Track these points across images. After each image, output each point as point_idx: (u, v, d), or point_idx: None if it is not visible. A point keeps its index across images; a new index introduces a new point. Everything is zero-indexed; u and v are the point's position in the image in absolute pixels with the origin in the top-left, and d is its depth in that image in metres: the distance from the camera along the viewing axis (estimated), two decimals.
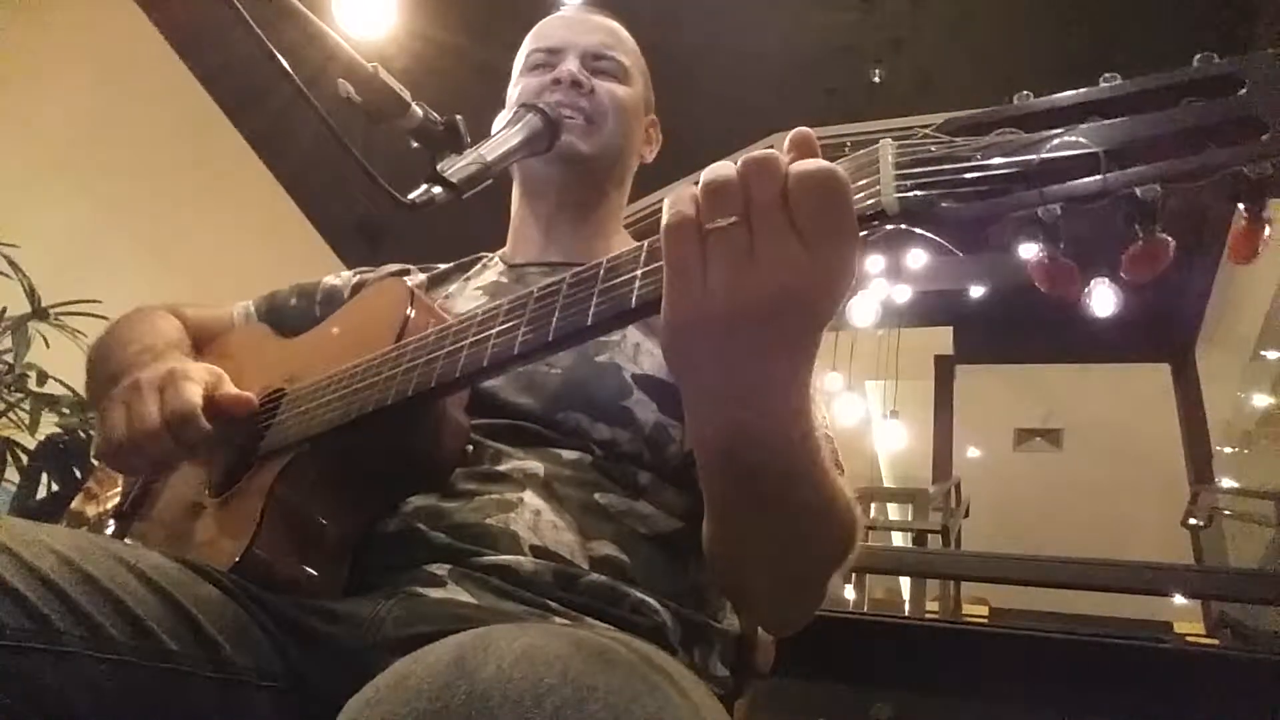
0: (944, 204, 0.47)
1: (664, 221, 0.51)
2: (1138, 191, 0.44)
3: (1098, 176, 0.44)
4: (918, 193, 0.47)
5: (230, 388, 0.81)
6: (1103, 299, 5.46)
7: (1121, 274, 0.47)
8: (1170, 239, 0.45)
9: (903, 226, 0.48)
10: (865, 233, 0.49)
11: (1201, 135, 0.43)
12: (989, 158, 0.46)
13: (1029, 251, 0.48)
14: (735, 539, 0.66)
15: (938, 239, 0.48)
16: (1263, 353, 6.26)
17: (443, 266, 1.07)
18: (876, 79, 4.89)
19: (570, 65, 1.00)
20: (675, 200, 0.51)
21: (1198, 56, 0.46)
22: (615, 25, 1.09)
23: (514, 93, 1.04)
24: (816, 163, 0.48)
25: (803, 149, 0.50)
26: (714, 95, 4.77)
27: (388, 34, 3.70)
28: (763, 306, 0.49)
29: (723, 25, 4.75)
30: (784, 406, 0.53)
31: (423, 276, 1.05)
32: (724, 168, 0.50)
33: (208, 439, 0.76)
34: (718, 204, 0.49)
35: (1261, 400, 6.65)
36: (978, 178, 0.46)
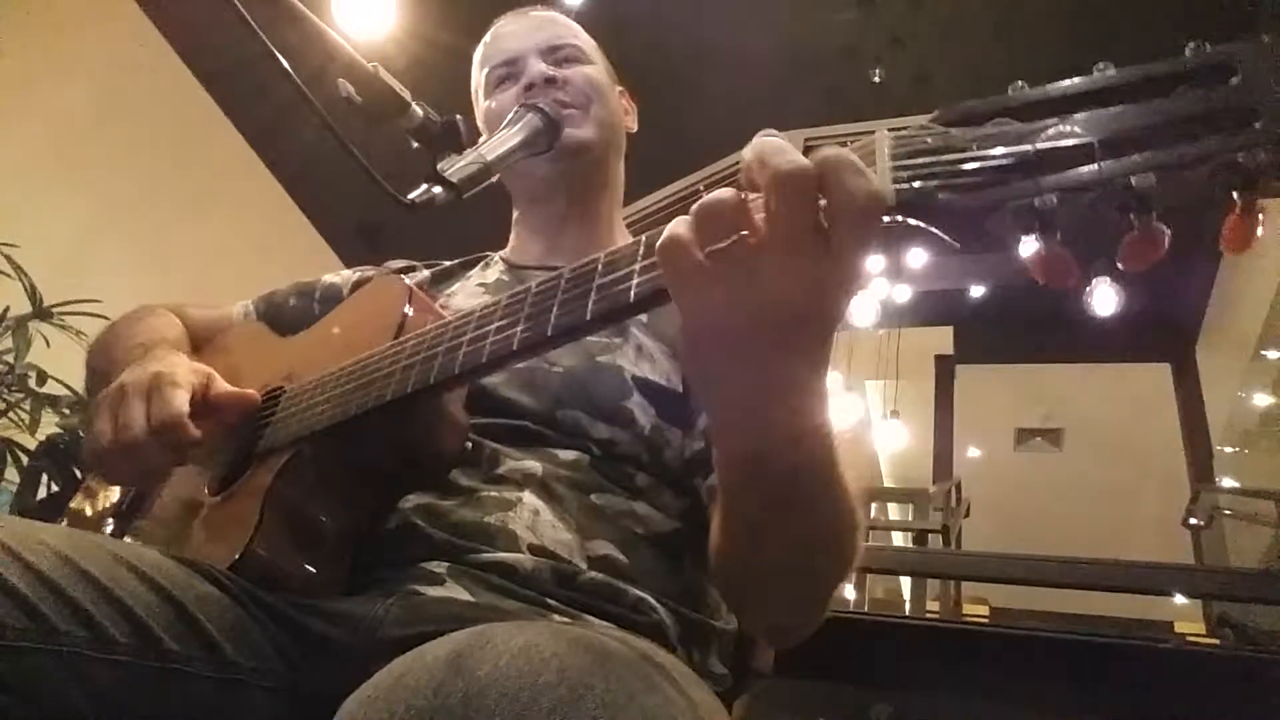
0: (941, 195, 0.46)
1: (660, 241, 0.49)
2: (1133, 180, 0.43)
3: (1093, 165, 0.44)
4: (915, 184, 0.47)
5: (222, 386, 0.80)
6: (1103, 298, 5.46)
7: (1118, 263, 0.47)
8: (1166, 227, 0.45)
9: (900, 219, 0.48)
10: None
11: (1195, 123, 0.43)
12: (985, 148, 0.46)
13: (1026, 246, 0.47)
14: (752, 547, 0.64)
15: (935, 231, 0.48)
16: (1263, 353, 6.25)
17: (447, 263, 1.07)
18: (876, 79, 4.89)
19: (537, 66, 1.00)
20: (673, 221, 0.50)
21: (1190, 45, 0.46)
22: (553, 14, 1.09)
23: (486, 115, 1.04)
24: (831, 156, 0.46)
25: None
26: (714, 95, 4.77)
27: (387, 34, 3.70)
28: (769, 317, 0.48)
29: (723, 25, 4.75)
30: (801, 413, 0.52)
31: (426, 273, 1.05)
32: (724, 191, 0.49)
33: (198, 443, 0.75)
34: (715, 226, 0.48)
35: (1261, 400, 6.64)
36: (975, 168, 0.46)
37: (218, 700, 0.59)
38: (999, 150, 0.46)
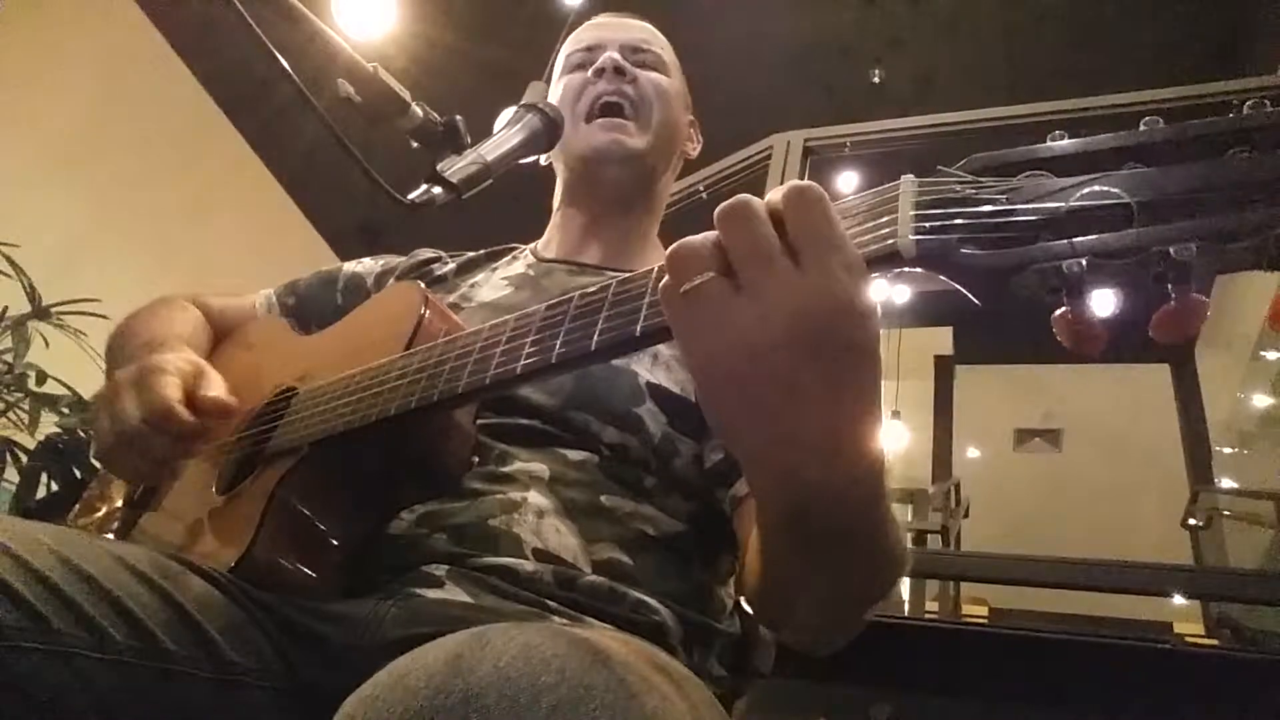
0: (964, 249, 0.43)
1: (660, 283, 0.47)
2: (1171, 250, 0.39)
3: (1130, 230, 0.40)
4: (937, 236, 0.44)
5: (209, 382, 0.80)
6: (1102, 299, 5.46)
7: (1150, 332, 0.43)
8: (1205, 299, 0.41)
9: (919, 270, 0.45)
10: (878, 273, 0.46)
11: (1248, 191, 0.39)
12: (1015, 202, 0.43)
13: (1052, 305, 0.44)
14: (789, 585, 0.60)
15: (956, 286, 0.44)
16: (1263, 353, 6.25)
17: (473, 254, 1.08)
18: (876, 79, 4.89)
19: (613, 55, 1.02)
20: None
21: (1249, 103, 0.41)
22: (648, 24, 1.12)
23: (555, 95, 1.05)
24: (786, 186, 0.45)
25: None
26: (714, 95, 4.77)
27: (387, 34, 3.71)
28: (766, 355, 0.43)
29: (722, 25, 4.75)
30: (840, 463, 0.46)
31: (453, 264, 1.06)
32: (690, 239, 0.46)
33: (196, 430, 0.76)
34: (687, 267, 0.45)
35: (1261, 400, 6.63)
36: (1002, 223, 0.43)
37: (217, 701, 0.59)
38: (1029, 206, 0.43)
